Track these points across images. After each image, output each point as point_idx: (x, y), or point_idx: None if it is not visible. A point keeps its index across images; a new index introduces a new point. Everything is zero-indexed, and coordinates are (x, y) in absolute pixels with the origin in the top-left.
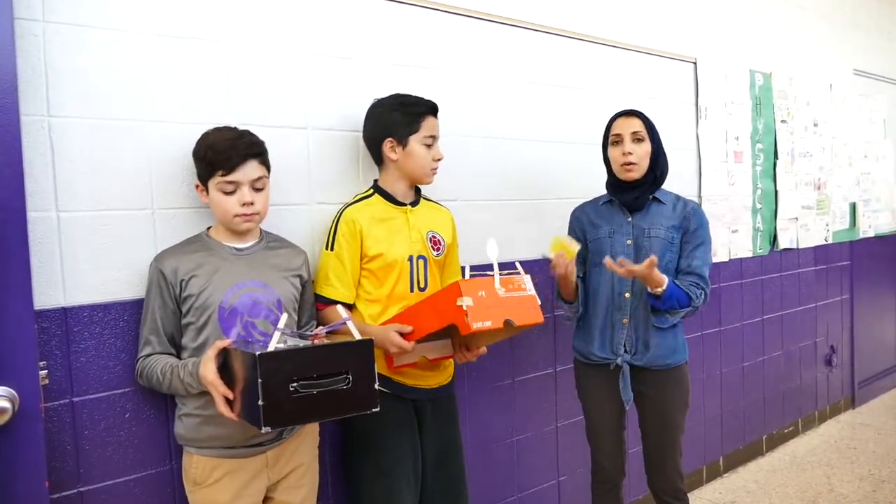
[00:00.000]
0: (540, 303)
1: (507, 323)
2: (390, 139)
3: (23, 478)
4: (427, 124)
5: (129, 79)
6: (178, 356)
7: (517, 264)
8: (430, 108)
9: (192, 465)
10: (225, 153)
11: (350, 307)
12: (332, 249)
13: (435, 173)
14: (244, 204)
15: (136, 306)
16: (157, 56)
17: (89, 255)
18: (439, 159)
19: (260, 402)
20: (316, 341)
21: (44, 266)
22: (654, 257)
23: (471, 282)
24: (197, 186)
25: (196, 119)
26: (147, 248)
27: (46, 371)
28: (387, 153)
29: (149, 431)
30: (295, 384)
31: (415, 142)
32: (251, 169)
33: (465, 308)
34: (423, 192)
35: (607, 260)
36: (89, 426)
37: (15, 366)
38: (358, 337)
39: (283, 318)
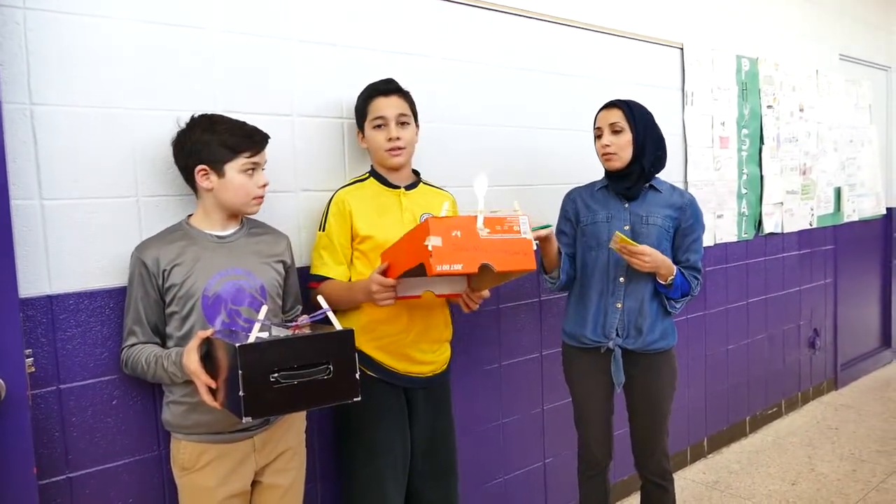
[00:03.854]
0: (536, 248)
1: (485, 268)
2: (359, 131)
3: (11, 464)
4: (374, 105)
5: (113, 66)
6: (164, 345)
7: (516, 203)
8: (378, 91)
9: (180, 451)
10: (252, 135)
11: None
12: (323, 230)
13: (394, 154)
14: (262, 186)
15: (122, 294)
16: (140, 43)
17: (74, 243)
18: (392, 138)
19: (241, 393)
20: (297, 332)
21: (28, 254)
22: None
23: (445, 219)
24: (202, 171)
25: (180, 106)
26: (132, 236)
27: (32, 359)
28: (360, 144)
29: (137, 418)
30: (276, 374)
31: (369, 128)
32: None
33: (430, 248)
34: (424, 177)
35: (617, 236)
36: (77, 413)
37: (1, 354)
38: (338, 327)
39: (263, 309)
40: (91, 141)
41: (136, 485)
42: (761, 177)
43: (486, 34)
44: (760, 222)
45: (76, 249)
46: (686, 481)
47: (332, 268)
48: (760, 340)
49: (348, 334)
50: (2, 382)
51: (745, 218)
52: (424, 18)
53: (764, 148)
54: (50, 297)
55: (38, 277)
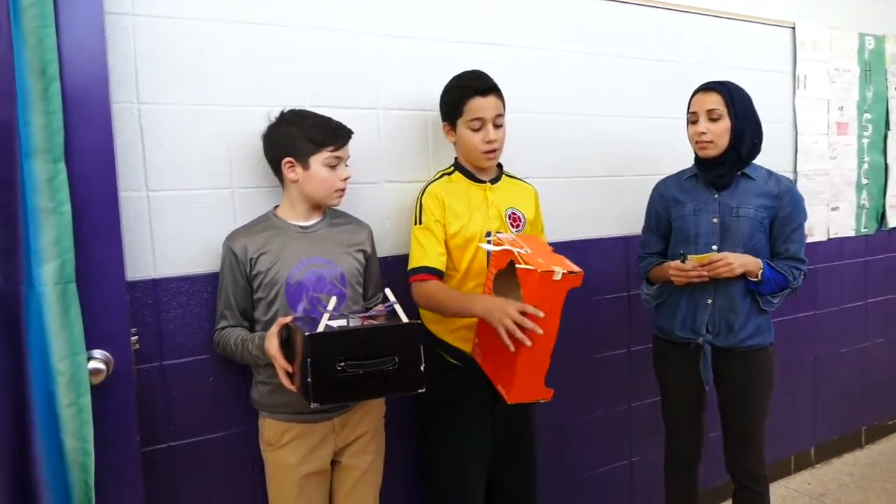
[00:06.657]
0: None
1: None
2: (445, 123)
3: (117, 432)
4: (471, 106)
5: (210, 66)
6: (252, 329)
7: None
8: (475, 91)
9: (265, 428)
10: (336, 131)
11: (441, 275)
12: (421, 223)
13: (490, 157)
14: (344, 179)
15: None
16: (234, 43)
17: (176, 231)
18: (491, 140)
19: (308, 380)
20: (366, 322)
21: (136, 241)
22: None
23: (522, 272)
24: (288, 163)
25: (271, 102)
26: (228, 225)
27: (137, 337)
28: (446, 136)
29: (229, 395)
30: (342, 364)
31: (463, 126)
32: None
33: (562, 269)
34: (505, 168)
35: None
36: (177, 387)
37: (109, 331)
38: (405, 320)
39: (333, 300)
40: (192, 136)
41: (229, 456)
42: (886, 166)
43: (575, 21)
44: (884, 215)
45: (178, 237)
46: (788, 491)
47: (434, 258)
48: (880, 345)
49: (414, 327)
50: (110, 357)
51: (864, 210)
52: (508, 8)
53: (890, 134)
54: (154, 281)
55: (144, 262)
